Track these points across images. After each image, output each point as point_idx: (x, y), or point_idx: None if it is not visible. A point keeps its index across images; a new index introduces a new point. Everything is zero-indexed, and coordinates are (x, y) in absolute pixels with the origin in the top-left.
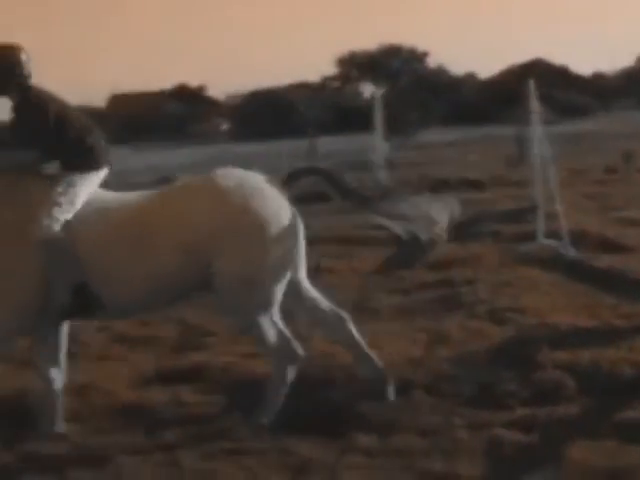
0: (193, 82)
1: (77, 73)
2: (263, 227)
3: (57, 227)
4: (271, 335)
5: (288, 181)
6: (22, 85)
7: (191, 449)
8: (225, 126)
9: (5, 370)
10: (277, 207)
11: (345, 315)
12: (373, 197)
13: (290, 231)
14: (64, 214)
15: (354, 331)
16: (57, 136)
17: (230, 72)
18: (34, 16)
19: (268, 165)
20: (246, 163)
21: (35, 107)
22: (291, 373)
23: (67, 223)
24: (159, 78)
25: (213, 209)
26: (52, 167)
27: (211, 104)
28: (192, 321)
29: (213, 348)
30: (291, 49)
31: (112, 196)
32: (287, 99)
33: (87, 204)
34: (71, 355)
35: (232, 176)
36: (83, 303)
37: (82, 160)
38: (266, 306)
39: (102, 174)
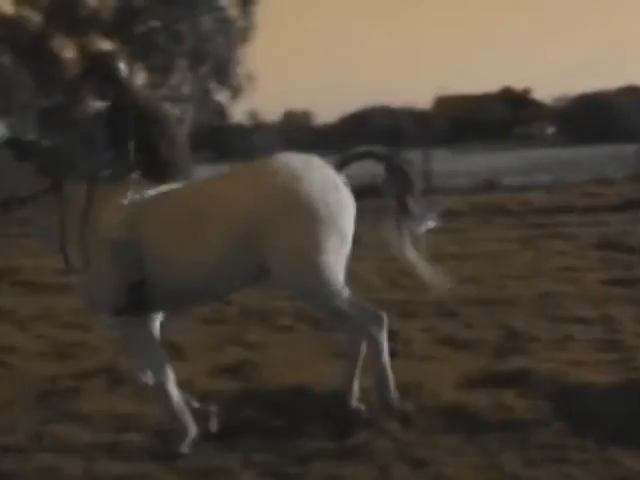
0: (518, 85)
1: (404, 75)
2: (310, 205)
3: (123, 228)
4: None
5: (342, 164)
6: (119, 89)
7: (513, 455)
8: (550, 130)
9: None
10: (325, 185)
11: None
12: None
13: (340, 208)
14: (131, 217)
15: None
16: (139, 143)
17: (554, 76)
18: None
19: (592, 170)
20: (570, 167)
21: (123, 112)
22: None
23: (134, 223)
24: (484, 81)
25: (259, 191)
26: (132, 173)
27: (536, 107)
28: (515, 326)
29: (537, 354)
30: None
31: (176, 187)
32: (615, 103)
33: (153, 200)
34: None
35: (282, 158)
36: (138, 301)
37: (158, 171)
38: (332, 284)
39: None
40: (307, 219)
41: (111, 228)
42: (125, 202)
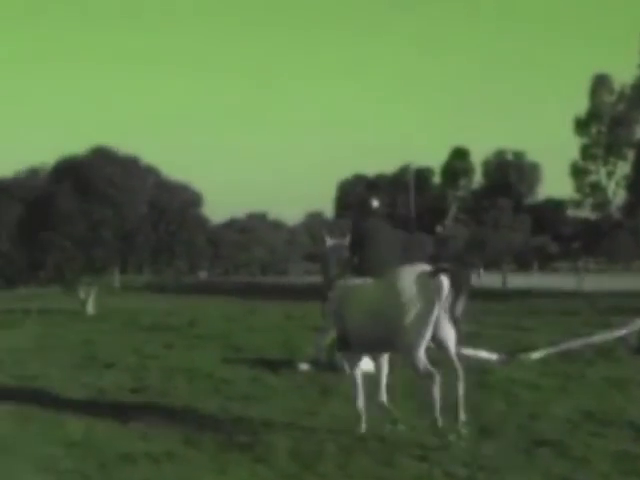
0: None
1: None
2: (400, 297)
3: (335, 302)
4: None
5: (432, 274)
6: (365, 216)
7: None
8: None
9: None
10: (412, 285)
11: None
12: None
13: (421, 300)
14: (340, 295)
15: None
16: (354, 250)
17: None
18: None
19: None
20: None
21: (358, 230)
22: None
23: (340, 299)
24: None
25: (383, 289)
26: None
27: None
28: None
29: None
30: None
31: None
32: None
33: (352, 287)
34: None
35: (401, 268)
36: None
37: (362, 270)
38: (413, 348)
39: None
40: (397, 305)
41: (331, 302)
42: (341, 286)
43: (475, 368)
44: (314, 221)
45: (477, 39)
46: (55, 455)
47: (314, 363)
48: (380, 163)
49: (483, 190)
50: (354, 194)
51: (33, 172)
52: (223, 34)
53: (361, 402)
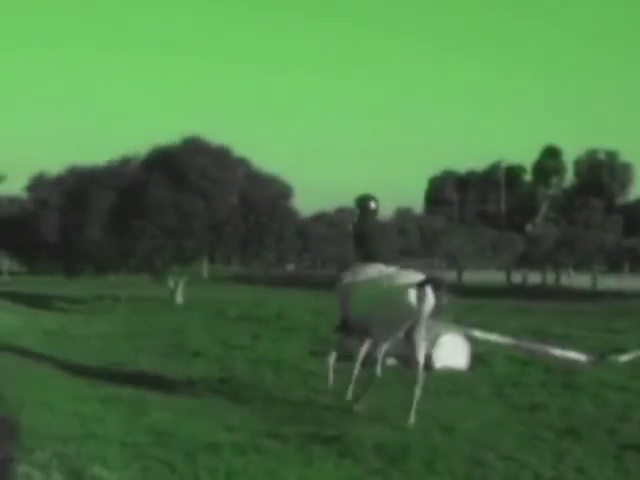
0: None
1: None
2: (389, 299)
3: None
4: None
5: (420, 285)
6: (366, 216)
7: None
8: None
9: None
10: (400, 290)
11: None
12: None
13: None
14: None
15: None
16: (359, 244)
17: None
18: None
19: None
20: None
21: (360, 228)
22: None
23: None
24: None
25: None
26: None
27: None
28: None
29: None
30: None
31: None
32: None
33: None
34: None
35: (396, 274)
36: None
37: (371, 259)
38: (379, 342)
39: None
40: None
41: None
42: (347, 279)
43: (563, 369)
44: (404, 217)
45: (572, 37)
46: (141, 443)
47: (401, 358)
48: (471, 160)
49: (575, 189)
50: (443, 190)
51: (125, 161)
52: (317, 29)
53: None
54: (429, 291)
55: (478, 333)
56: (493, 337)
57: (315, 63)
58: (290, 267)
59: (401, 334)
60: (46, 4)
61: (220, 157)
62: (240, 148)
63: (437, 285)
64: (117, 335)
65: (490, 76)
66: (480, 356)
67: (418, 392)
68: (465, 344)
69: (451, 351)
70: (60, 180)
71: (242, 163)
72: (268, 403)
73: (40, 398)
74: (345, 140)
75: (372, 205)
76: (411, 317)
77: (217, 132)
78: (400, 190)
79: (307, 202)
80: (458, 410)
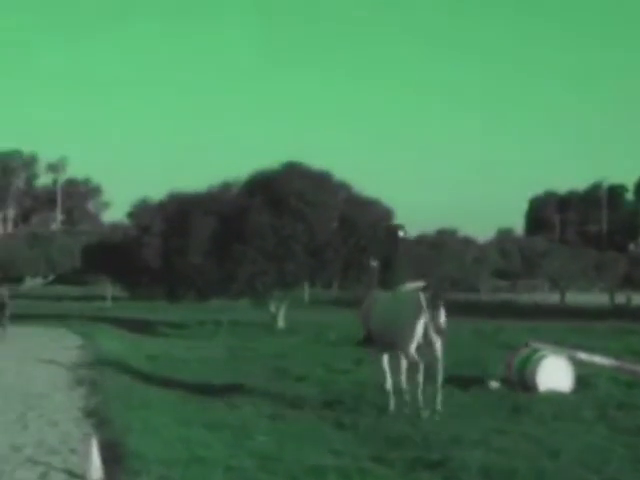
0: None
1: None
2: (399, 308)
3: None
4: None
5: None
6: (394, 244)
7: None
8: None
9: None
10: (406, 300)
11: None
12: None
13: (409, 311)
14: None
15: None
16: (384, 268)
17: None
18: None
19: None
20: None
21: (387, 255)
22: None
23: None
24: None
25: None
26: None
27: None
28: None
29: None
30: None
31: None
32: None
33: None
34: None
35: (404, 288)
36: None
37: (384, 286)
38: (406, 345)
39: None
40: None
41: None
42: (369, 297)
43: None
44: (504, 238)
45: None
46: (245, 467)
47: (505, 381)
48: (571, 180)
49: None
50: (544, 211)
51: (226, 186)
52: (420, 52)
53: (389, 384)
54: (421, 295)
55: (582, 355)
56: (597, 359)
57: (418, 86)
58: None
59: (420, 339)
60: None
61: (320, 181)
62: (341, 171)
63: (436, 295)
64: (220, 359)
65: (591, 97)
66: (584, 378)
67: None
68: (569, 366)
69: (555, 374)
70: (162, 206)
71: (343, 187)
72: (372, 427)
73: (145, 422)
74: (446, 162)
75: (401, 234)
76: (423, 315)
77: (318, 156)
78: (501, 211)
79: (408, 224)
80: (563, 433)
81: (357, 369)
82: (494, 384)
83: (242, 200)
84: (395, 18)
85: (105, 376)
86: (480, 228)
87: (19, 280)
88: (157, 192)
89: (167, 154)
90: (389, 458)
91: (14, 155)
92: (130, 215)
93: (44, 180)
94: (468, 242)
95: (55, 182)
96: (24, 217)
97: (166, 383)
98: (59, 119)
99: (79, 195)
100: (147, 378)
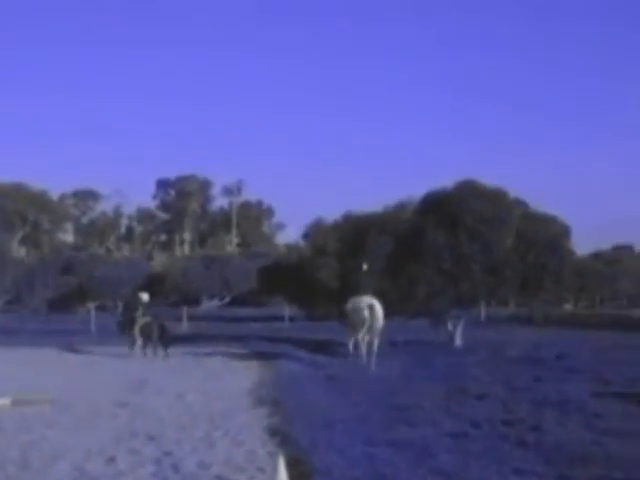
0: None
1: None
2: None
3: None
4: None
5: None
6: None
7: None
8: None
9: None
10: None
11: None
12: None
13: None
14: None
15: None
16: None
17: None
18: None
19: None
20: None
21: None
22: None
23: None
24: None
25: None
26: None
27: None
28: None
29: None
30: None
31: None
32: None
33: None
34: None
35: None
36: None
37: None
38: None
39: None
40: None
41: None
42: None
43: None
44: (621, 253)
45: None
46: None
47: None
48: None
49: None
50: None
51: (401, 206)
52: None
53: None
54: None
55: None
56: None
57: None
58: (567, 307)
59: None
60: None
61: (496, 199)
62: (517, 188)
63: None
64: (397, 378)
65: None
66: None
67: None
68: None
69: None
70: (336, 227)
71: (518, 204)
72: (555, 445)
73: (329, 440)
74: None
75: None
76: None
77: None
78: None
79: (584, 241)
80: None
81: (537, 386)
82: None
83: (417, 220)
84: None
85: (286, 395)
86: None
87: (196, 302)
88: (328, 212)
89: (340, 174)
90: (573, 476)
91: (189, 179)
92: (305, 236)
93: (219, 202)
94: None
95: (230, 205)
96: (200, 240)
97: (346, 403)
98: (234, 142)
99: (253, 217)
100: (326, 398)
